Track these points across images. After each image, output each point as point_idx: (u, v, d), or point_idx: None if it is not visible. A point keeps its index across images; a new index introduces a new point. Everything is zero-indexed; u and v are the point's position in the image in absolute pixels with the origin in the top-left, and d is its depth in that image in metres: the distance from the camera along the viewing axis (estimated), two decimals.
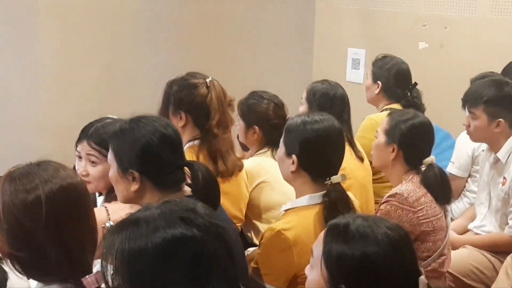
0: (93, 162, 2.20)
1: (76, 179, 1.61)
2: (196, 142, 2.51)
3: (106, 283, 1.25)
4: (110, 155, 1.96)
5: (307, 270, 1.62)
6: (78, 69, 6.29)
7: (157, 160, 1.92)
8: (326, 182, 2.16)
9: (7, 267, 2.07)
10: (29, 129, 6.54)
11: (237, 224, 2.64)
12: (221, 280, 1.21)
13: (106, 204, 2.17)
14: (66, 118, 6.71)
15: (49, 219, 1.50)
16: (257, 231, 2.76)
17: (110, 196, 2.22)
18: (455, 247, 2.89)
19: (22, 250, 1.51)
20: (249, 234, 2.78)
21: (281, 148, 2.25)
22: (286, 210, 2.25)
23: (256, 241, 2.72)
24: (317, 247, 1.57)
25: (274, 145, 2.77)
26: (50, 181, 1.54)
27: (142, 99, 5.69)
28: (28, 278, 1.61)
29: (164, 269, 1.18)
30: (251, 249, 2.43)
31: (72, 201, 1.56)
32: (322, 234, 1.60)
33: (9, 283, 2.10)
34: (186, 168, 1.97)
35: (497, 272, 2.83)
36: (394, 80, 3.43)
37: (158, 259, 1.18)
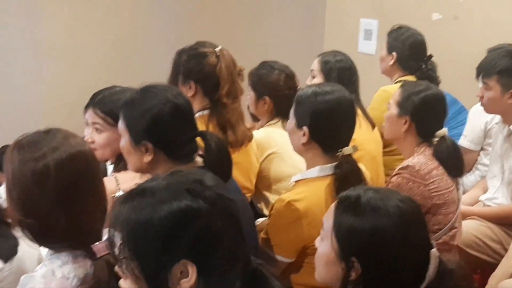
0: (98, 129, 2.19)
1: (84, 147, 1.61)
2: (206, 112, 2.49)
3: (113, 251, 1.25)
4: (121, 125, 1.93)
5: (317, 242, 1.61)
6: (85, 43, 6.25)
7: (168, 131, 1.89)
8: (337, 154, 2.14)
9: (19, 234, 2.09)
10: (35, 104, 6.54)
11: (247, 195, 2.63)
12: (226, 254, 1.20)
13: (116, 174, 2.17)
14: (73, 93, 6.71)
15: (57, 187, 1.50)
16: (267, 202, 2.75)
17: (119, 166, 2.21)
18: (462, 218, 2.87)
19: (31, 217, 1.51)
20: (259, 205, 2.78)
21: (292, 120, 2.23)
22: (296, 182, 2.24)
23: (266, 212, 2.71)
24: (328, 219, 1.56)
25: (284, 116, 2.76)
26: (59, 149, 1.53)
27: (151, 72, 5.67)
28: (40, 246, 1.60)
29: (169, 241, 1.17)
30: (261, 220, 2.43)
31: (81, 169, 1.55)
32: (332, 206, 1.58)
33: (19, 249, 2.12)
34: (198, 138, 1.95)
35: (502, 245, 2.83)
36: (409, 52, 3.39)
37: (163, 231, 1.17)
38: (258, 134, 2.73)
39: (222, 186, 1.30)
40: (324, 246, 1.55)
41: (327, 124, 2.17)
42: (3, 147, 5.72)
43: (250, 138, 2.60)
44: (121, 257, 1.22)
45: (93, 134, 2.20)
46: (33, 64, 6.50)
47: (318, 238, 1.62)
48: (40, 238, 1.56)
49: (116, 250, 1.23)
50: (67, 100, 6.48)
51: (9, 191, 1.54)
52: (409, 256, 1.45)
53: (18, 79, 6.60)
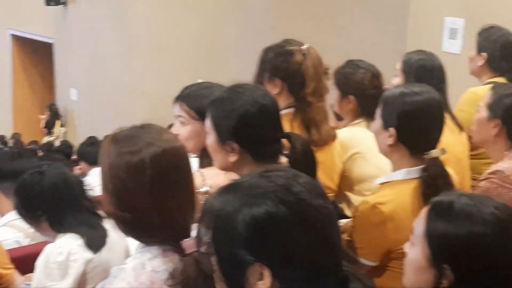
0: (182, 122, 2.23)
1: (177, 143, 1.63)
2: (291, 110, 2.48)
3: (201, 247, 1.26)
4: (208, 123, 1.95)
5: (407, 247, 1.58)
6: (170, 37, 6.37)
7: (255, 131, 1.88)
8: (424, 156, 2.10)
9: (109, 225, 2.16)
10: (123, 97, 6.72)
11: (329, 195, 2.60)
12: (305, 262, 1.18)
13: (202, 170, 2.19)
14: (158, 87, 6.88)
15: (152, 181, 1.53)
16: (348, 202, 2.72)
17: (204, 161, 2.24)
18: None
19: (125, 211, 1.55)
20: (340, 205, 2.75)
21: (378, 121, 2.19)
22: (381, 184, 2.20)
23: (347, 212, 2.69)
24: (419, 224, 1.52)
25: (368, 116, 2.71)
26: (154, 144, 1.55)
27: (233, 68, 5.74)
28: (132, 238, 1.64)
29: (245, 243, 1.17)
30: (344, 221, 2.40)
31: (174, 165, 1.58)
32: (424, 211, 1.55)
33: (108, 241, 2.18)
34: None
35: None
36: (500, 52, 3.26)
37: (241, 233, 1.17)
38: (342, 133, 2.70)
39: (315, 189, 1.27)
40: (415, 251, 1.51)
41: (415, 126, 2.13)
42: (90, 137, 5.93)
43: (334, 137, 2.57)
44: (207, 254, 1.23)
45: (178, 127, 2.24)
46: (122, 58, 6.68)
47: (408, 243, 1.58)
48: (132, 231, 1.59)
49: (204, 247, 1.24)
50: (152, 93, 6.65)
51: (104, 184, 1.57)
52: (507, 265, 1.40)
53: (110, 73, 6.80)
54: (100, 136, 6.34)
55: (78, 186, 2.24)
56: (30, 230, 2.60)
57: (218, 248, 1.22)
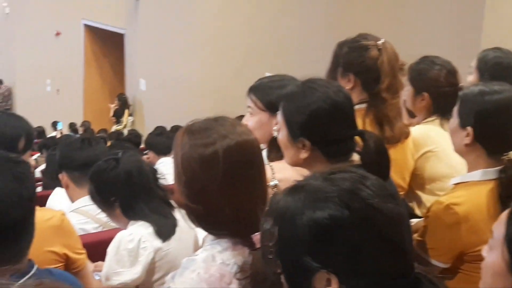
0: (250, 113, 2.23)
1: (251, 136, 1.62)
2: (363, 105, 2.43)
3: (265, 244, 1.25)
4: (280, 118, 1.93)
5: (485, 251, 1.52)
6: (237, 31, 6.39)
7: (326, 129, 1.84)
8: (502, 157, 2.02)
9: (179, 214, 2.18)
10: (189, 88, 6.78)
11: (400, 193, 2.55)
12: (373, 267, 1.15)
13: (272, 163, 2.18)
14: (224, 80, 6.93)
15: (224, 174, 1.52)
16: (419, 201, 2.66)
17: (271, 154, 2.23)
18: None
19: (197, 202, 1.55)
20: (410, 204, 2.69)
21: (455, 119, 2.13)
22: (455, 184, 2.14)
23: (417, 212, 2.63)
24: (498, 228, 1.46)
25: (443, 114, 2.65)
26: (228, 136, 1.55)
27: (300, 61, 5.72)
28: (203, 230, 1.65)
29: (309, 248, 1.16)
30: (415, 220, 2.35)
31: (247, 158, 1.57)
32: (504, 214, 1.48)
33: (178, 230, 2.20)
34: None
35: None
36: None
37: (304, 236, 1.16)
38: (415, 131, 2.63)
39: (384, 191, 1.23)
40: (494, 256, 1.45)
41: (493, 126, 2.05)
42: (158, 127, 6.03)
43: (407, 134, 2.51)
44: (271, 252, 1.22)
45: (248, 118, 2.24)
46: (189, 51, 6.75)
47: (486, 247, 1.52)
48: (203, 223, 1.59)
49: (268, 244, 1.23)
50: (217, 86, 6.69)
51: (178, 175, 1.58)
52: None
53: (177, 65, 6.89)
54: (166, 126, 6.44)
55: (151, 174, 2.27)
56: (98, 216, 2.66)
57: (282, 252, 1.20)
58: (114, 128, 11.09)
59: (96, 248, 2.33)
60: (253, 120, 2.20)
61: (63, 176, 2.78)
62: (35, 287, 1.03)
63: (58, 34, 13.04)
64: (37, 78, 13.91)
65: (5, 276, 1.32)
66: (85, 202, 2.67)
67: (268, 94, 2.12)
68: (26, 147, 1.90)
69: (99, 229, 2.71)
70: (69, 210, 2.70)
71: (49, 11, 13.23)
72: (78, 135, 9.34)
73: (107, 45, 12.26)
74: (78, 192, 2.75)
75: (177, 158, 1.59)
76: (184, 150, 1.56)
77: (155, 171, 2.29)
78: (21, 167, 1.37)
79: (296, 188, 1.24)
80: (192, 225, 1.65)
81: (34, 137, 1.97)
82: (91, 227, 2.69)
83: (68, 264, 2.08)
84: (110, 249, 2.12)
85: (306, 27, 5.34)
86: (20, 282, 1.25)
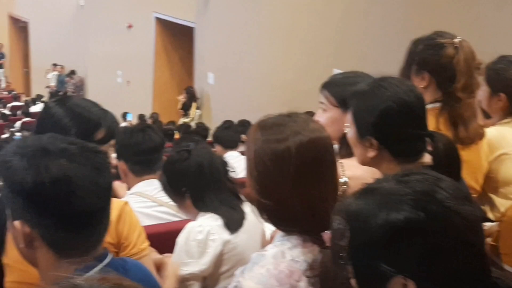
0: (323, 109, 2.21)
1: (324, 133, 1.61)
2: (437, 104, 2.38)
3: (335, 243, 1.24)
4: (349, 115, 1.91)
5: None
6: (307, 27, 6.34)
7: (395, 129, 1.81)
8: None
9: (248, 208, 2.19)
10: (257, 84, 6.79)
11: (472, 195, 2.49)
12: (450, 271, 1.12)
13: (342, 160, 2.16)
14: (293, 76, 6.91)
15: (296, 170, 1.52)
16: (492, 205, 2.59)
17: (342, 151, 2.21)
18: None
19: (268, 198, 1.55)
20: (483, 207, 2.62)
21: None
22: None
23: (490, 215, 2.55)
24: None
25: None
26: (300, 133, 1.54)
27: (372, 57, 5.65)
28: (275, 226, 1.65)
29: (384, 251, 1.14)
30: (488, 224, 2.28)
31: (320, 155, 1.56)
32: None
33: (246, 223, 2.22)
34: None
35: None
36: None
37: (378, 239, 1.14)
38: (490, 132, 2.56)
39: (459, 193, 1.20)
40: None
41: None
42: (226, 121, 6.08)
43: (481, 136, 2.44)
44: (342, 255, 1.21)
45: (320, 114, 2.23)
46: (258, 46, 6.76)
47: None
48: (273, 219, 1.59)
49: (338, 244, 1.22)
50: (286, 82, 6.67)
51: (250, 170, 1.58)
52: None
53: (245, 60, 6.91)
54: (234, 120, 6.48)
55: (222, 167, 2.29)
56: (157, 197, 2.72)
57: (355, 256, 1.19)
58: (182, 120, 11.24)
59: (163, 238, 2.35)
60: (326, 116, 2.18)
61: (121, 164, 2.84)
62: (98, 282, 1.03)
63: (130, 26, 13.31)
64: (108, 69, 14.24)
65: (80, 265, 1.35)
66: (143, 186, 2.75)
67: (342, 90, 2.10)
68: (107, 138, 1.93)
69: (159, 209, 2.76)
70: (128, 194, 2.77)
71: (122, 4, 13.51)
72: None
73: (177, 38, 12.42)
74: (135, 180, 2.81)
75: (250, 153, 1.59)
76: (256, 146, 1.56)
77: (225, 164, 2.31)
78: (99, 157, 1.40)
79: (368, 191, 1.22)
80: (261, 220, 1.66)
81: (116, 129, 1.99)
82: (150, 208, 2.74)
83: (121, 253, 2.06)
84: (180, 240, 2.15)
85: (379, 22, 5.26)
86: (87, 274, 1.28)
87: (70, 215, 1.33)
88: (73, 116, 1.90)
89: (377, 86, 1.86)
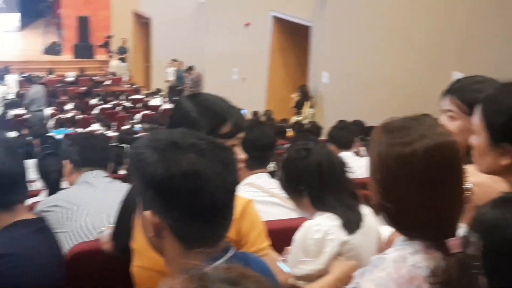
0: (451, 117, 2.14)
1: (450, 137, 1.57)
2: None
3: (467, 252, 1.20)
4: (477, 121, 1.83)
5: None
6: (425, 30, 6.17)
7: None
8: None
9: (366, 209, 2.17)
10: (373, 85, 6.70)
11: None
12: None
13: (465, 166, 2.09)
14: (409, 79, 6.77)
15: (422, 174, 1.49)
16: None
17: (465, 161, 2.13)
18: None
19: (391, 201, 1.53)
20: None
21: None
22: None
23: None
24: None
25: None
26: (427, 136, 1.51)
27: (493, 60, 5.42)
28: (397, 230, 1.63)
29: None
30: None
31: (446, 160, 1.52)
32: None
33: (363, 225, 2.19)
34: None
35: None
36: None
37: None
38: None
39: None
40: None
41: None
42: (341, 121, 6.06)
43: None
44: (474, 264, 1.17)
45: (446, 122, 2.15)
46: (375, 47, 6.66)
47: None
48: (395, 223, 1.58)
49: (471, 253, 1.19)
50: (402, 85, 6.54)
51: (373, 172, 1.57)
52: None
53: (362, 61, 6.85)
54: (347, 120, 6.43)
55: (340, 167, 2.28)
56: (270, 189, 2.74)
57: (491, 268, 1.15)
58: (295, 118, 11.30)
59: (280, 234, 2.37)
60: (455, 125, 2.11)
61: None
62: (224, 270, 1.07)
63: (247, 24, 13.52)
64: (225, 66, 14.55)
65: (206, 256, 1.40)
66: (254, 179, 2.83)
67: (474, 97, 1.98)
68: (233, 132, 1.98)
69: (271, 199, 2.81)
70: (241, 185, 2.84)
71: (241, 2, 13.76)
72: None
73: (293, 37, 12.49)
74: (247, 173, 2.87)
75: (373, 155, 1.58)
76: (381, 148, 1.55)
77: (343, 164, 2.30)
78: (227, 153, 1.44)
79: (505, 200, 1.18)
80: (378, 222, 1.64)
81: (244, 125, 2.03)
82: (262, 197, 2.78)
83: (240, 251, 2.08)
84: (297, 237, 2.16)
85: (506, 25, 5.04)
86: (214, 264, 1.32)
87: (197, 208, 1.38)
88: (201, 110, 1.96)
89: (507, 88, 1.78)
